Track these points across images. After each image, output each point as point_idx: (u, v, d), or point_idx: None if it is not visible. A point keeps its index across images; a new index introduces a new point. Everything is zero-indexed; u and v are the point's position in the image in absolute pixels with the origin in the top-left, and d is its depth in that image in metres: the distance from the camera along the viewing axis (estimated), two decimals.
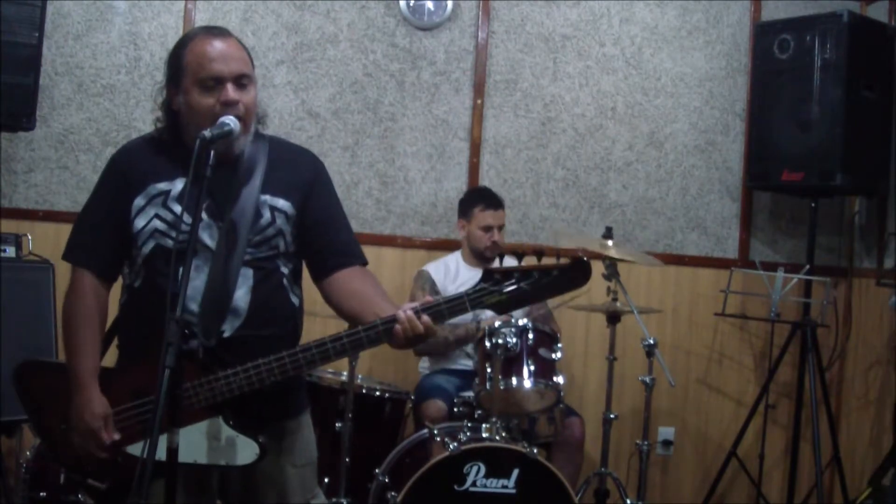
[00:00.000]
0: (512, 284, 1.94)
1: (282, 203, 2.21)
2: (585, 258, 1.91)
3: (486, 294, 1.97)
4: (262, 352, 2.06)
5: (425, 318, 2.01)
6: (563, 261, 1.91)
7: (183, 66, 2.13)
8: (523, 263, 1.95)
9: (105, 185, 2.25)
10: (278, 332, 2.18)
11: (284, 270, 2.23)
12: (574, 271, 1.91)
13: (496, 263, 2.03)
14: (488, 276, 1.97)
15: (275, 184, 2.22)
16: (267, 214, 2.19)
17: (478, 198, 4.10)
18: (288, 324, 2.25)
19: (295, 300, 2.27)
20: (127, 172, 2.21)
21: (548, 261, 1.96)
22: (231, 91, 2.11)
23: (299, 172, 2.28)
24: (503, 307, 1.97)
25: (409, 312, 2.00)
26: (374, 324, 2.04)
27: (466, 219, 4.08)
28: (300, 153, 2.36)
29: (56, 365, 2.34)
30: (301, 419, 2.32)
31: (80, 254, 2.23)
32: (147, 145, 2.26)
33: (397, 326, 2.01)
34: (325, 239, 2.27)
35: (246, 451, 2.11)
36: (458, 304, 2.00)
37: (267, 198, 2.20)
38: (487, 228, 4.01)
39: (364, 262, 2.30)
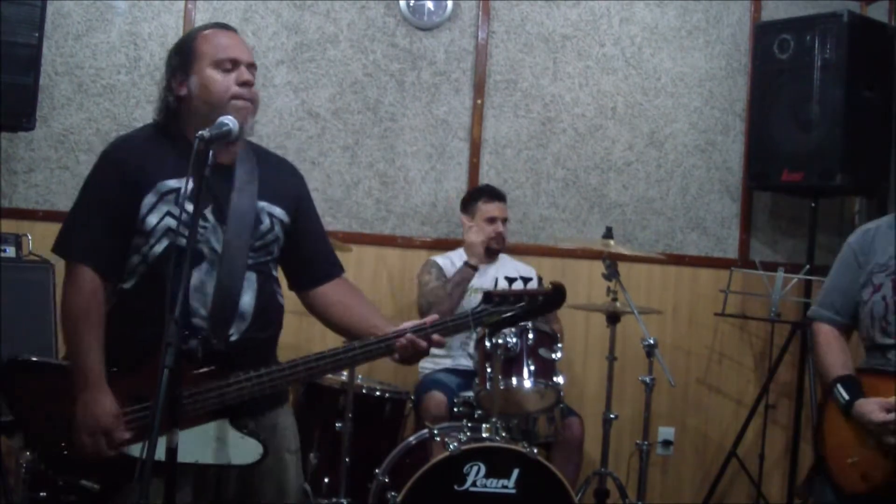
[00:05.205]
0: (508, 308, 2.26)
1: (278, 211, 2.27)
2: (563, 286, 2.27)
3: (486, 314, 2.24)
4: (261, 352, 2.13)
5: (435, 336, 2.19)
6: (547, 287, 2.28)
7: (197, 52, 2.18)
8: (515, 288, 2.33)
9: (105, 180, 2.18)
10: (273, 333, 2.29)
11: (275, 274, 2.32)
12: (554, 296, 2.28)
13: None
14: (488, 298, 2.25)
15: (269, 191, 2.26)
16: (266, 221, 2.24)
17: (480, 192, 4.14)
18: (278, 324, 2.32)
19: (282, 300, 2.34)
20: (129, 168, 2.15)
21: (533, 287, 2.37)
22: (246, 73, 2.17)
23: (287, 182, 2.35)
24: (499, 326, 2.36)
25: (411, 336, 2.17)
26: (386, 337, 2.19)
27: (470, 214, 4.09)
28: (283, 162, 2.43)
29: (47, 365, 2.24)
30: (286, 406, 2.39)
31: (79, 249, 2.15)
32: (146, 140, 2.22)
33: (401, 341, 2.16)
34: (313, 249, 2.37)
35: (249, 450, 2.14)
36: (463, 321, 2.23)
37: (265, 204, 2.24)
38: (492, 220, 4.02)
39: (343, 272, 2.43)
